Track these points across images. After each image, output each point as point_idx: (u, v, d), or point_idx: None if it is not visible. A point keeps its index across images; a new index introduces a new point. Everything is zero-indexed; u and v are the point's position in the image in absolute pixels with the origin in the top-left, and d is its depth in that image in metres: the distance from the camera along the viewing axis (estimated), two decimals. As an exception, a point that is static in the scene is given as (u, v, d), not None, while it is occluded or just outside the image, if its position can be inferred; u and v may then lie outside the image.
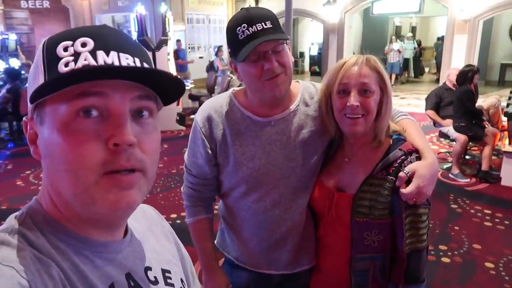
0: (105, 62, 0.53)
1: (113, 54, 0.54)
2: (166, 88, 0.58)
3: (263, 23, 1.12)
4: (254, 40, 1.10)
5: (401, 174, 1.13)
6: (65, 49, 0.53)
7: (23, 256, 0.50)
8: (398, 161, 1.16)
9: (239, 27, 1.12)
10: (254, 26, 1.11)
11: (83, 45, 0.53)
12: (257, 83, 1.17)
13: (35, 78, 0.55)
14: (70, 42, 0.53)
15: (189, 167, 1.36)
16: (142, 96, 0.56)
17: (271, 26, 1.12)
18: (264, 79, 1.15)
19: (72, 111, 0.51)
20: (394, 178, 1.15)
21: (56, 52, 0.53)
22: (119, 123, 0.52)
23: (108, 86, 0.52)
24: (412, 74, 13.99)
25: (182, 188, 1.42)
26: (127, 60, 0.55)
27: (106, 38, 0.55)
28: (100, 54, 0.53)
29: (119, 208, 0.54)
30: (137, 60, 0.56)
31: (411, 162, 1.15)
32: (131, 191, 0.54)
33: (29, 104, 0.56)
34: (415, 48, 13.74)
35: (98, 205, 0.53)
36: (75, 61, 0.52)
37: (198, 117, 1.31)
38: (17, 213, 0.57)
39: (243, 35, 1.12)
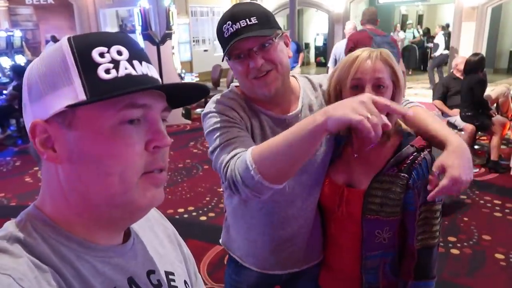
0: (142, 72, 0.56)
1: (144, 64, 0.58)
2: (180, 96, 0.63)
3: (247, 20, 1.08)
4: (235, 38, 1.08)
5: (430, 177, 1.09)
6: (101, 55, 0.54)
7: (21, 263, 0.49)
8: (411, 158, 1.14)
9: (225, 25, 1.10)
10: (237, 23, 1.08)
11: (119, 53, 0.55)
12: (245, 81, 1.15)
13: (62, 80, 0.53)
14: (105, 49, 0.55)
15: (227, 144, 1.08)
16: (167, 108, 0.61)
17: (256, 22, 1.09)
18: (252, 77, 1.12)
19: (118, 120, 0.54)
20: (406, 175, 1.13)
21: (92, 57, 0.54)
22: (158, 129, 0.58)
23: (151, 98, 0.57)
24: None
25: (225, 171, 1.04)
26: (152, 70, 0.59)
27: (135, 48, 0.58)
28: (136, 64, 0.56)
29: (154, 204, 0.59)
30: (155, 69, 0.61)
31: (425, 158, 1.13)
32: (161, 189, 0.61)
33: (46, 106, 0.54)
34: (414, 37, 13.43)
35: (137, 203, 0.57)
36: (116, 68, 0.54)
37: (220, 107, 1.15)
38: (15, 220, 0.57)
39: (227, 33, 1.10)
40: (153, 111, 0.57)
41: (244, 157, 0.98)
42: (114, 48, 0.55)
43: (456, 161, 1.03)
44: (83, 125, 0.54)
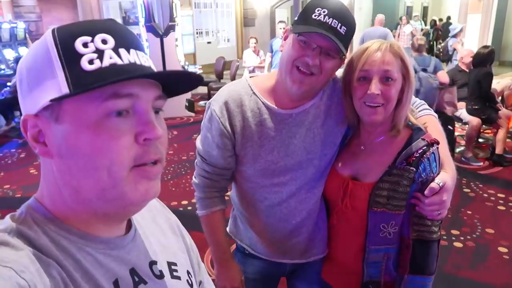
0: (129, 61, 0.54)
1: (133, 52, 0.55)
2: (176, 84, 0.60)
3: (339, 24, 1.07)
4: (319, 28, 1.06)
5: (434, 185, 1.10)
6: (85, 45, 0.52)
7: (22, 256, 0.49)
8: (420, 151, 1.12)
9: (320, 9, 1.08)
10: (331, 19, 1.07)
11: (104, 42, 0.53)
12: (288, 64, 1.13)
13: (46, 73, 0.53)
14: (89, 38, 0.53)
15: (204, 155, 1.30)
16: (160, 97, 0.58)
17: (343, 34, 1.08)
18: (296, 65, 1.11)
19: (104, 112, 0.52)
20: (414, 169, 1.12)
21: (75, 47, 0.52)
22: (148, 120, 0.55)
23: (138, 87, 0.54)
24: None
25: (193, 178, 1.36)
26: (143, 58, 0.57)
27: (123, 35, 0.56)
28: (123, 52, 0.54)
29: (148, 198, 0.57)
30: (147, 56, 0.58)
31: (433, 153, 1.12)
32: (156, 181, 0.58)
33: (34, 100, 0.54)
34: (422, 29, 13.31)
35: (128, 197, 0.55)
36: (100, 58, 0.52)
37: (216, 107, 1.23)
38: (15, 213, 0.57)
39: (317, 16, 1.07)
40: (141, 101, 0.55)
41: (198, 201, 1.37)
42: (98, 37, 0.53)
43: (452, 188, 1.13)
44: (69, 119, 0.53)
